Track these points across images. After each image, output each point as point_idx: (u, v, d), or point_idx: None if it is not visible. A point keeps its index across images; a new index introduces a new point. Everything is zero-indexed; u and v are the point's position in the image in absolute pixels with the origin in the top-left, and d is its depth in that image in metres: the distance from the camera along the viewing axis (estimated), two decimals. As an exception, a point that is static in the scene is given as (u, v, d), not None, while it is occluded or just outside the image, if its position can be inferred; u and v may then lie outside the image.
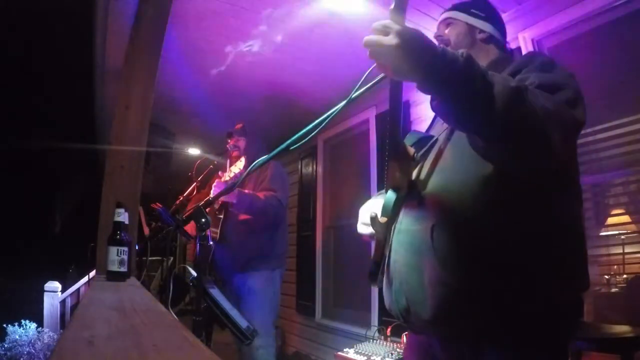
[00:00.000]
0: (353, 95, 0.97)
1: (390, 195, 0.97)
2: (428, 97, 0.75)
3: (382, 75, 0.88)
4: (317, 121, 1.03)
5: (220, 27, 2.47)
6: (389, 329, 2.49)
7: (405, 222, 0.94)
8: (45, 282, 3.47)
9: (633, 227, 1.93)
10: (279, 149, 1.11)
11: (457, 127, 0.83)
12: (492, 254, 0.79)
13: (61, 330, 3.24)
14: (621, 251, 1.92)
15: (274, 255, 2.49)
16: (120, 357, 0.53)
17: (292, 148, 1.07)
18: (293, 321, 4.28)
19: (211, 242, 2.41)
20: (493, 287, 0.79)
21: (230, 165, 2.42)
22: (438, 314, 0.83)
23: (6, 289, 5.97)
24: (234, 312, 1.37)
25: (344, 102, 0.97)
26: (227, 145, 2.62)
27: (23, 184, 8.23)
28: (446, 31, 1.10)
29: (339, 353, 2.38)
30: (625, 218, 1.96)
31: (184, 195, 2.66)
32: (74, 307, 3.42)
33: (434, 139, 1.00)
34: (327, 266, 3.91)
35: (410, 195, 0.96)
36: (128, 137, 1.79)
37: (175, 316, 1.12)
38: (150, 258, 2.18)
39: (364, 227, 1.07)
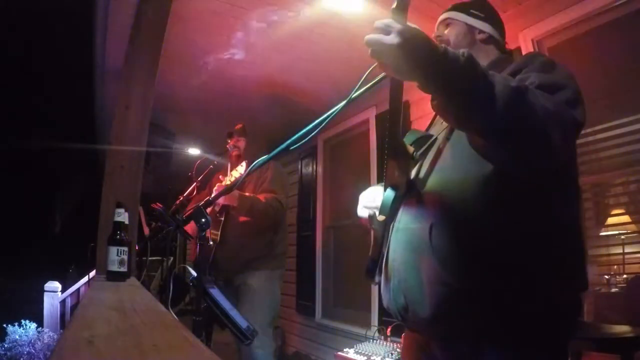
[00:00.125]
0: (353, 95, 0.97)
1: (389, 193, 0.97)
2: (428, 97, 0.75)
3: (382, 75, 0.88)
4: (317, 121, 1.03)
5: (220, 27, 2.47)
6: (389, 329, 2.49)
7: (404, 221, 0.94)
8: (45, 282, 3.47)
9: (633, 227, 1.93)
10: (279, 149, 1.11)
11: (457, 126, 0.83)
12: (491, 253, 0.80)
13: (61, 330, 3.24)
14: (621, 251, 1.92)
15: (274, 256, 2.50)
16: (120, 357, 0.53)
17: (292, 148, 1.07)
18: (293, 321, 4.28)
19: (211, 243, 2.41)
20: (492, 286, 0.79)
21: (231, 169, 2.42)
22: (437, 313, 0.83)
23: (6, 289, 5.97)
24: (234, 312, 1.37)
25: (344, 102, 0.97)
26: (227, 146, 2.63)
27: (23, 184, 8.23)
28: (446, 31, 1.10)
29: (339, 353, 2.38)
30: (625, 218, 1.96)
31: (184, 195, 2.66)
32: (74, 307, 3.42)
33: (434, 138, 1.00)
34: (327, 266, 3.91)
35: (409, 193, 0.96)
36: (128, 137, 1.79)
37: (175, 316, 1.12)
38: (150, 258, 2.18)
39: (364, 210, 1.08)
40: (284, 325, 4.37)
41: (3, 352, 2.98)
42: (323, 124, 1.01)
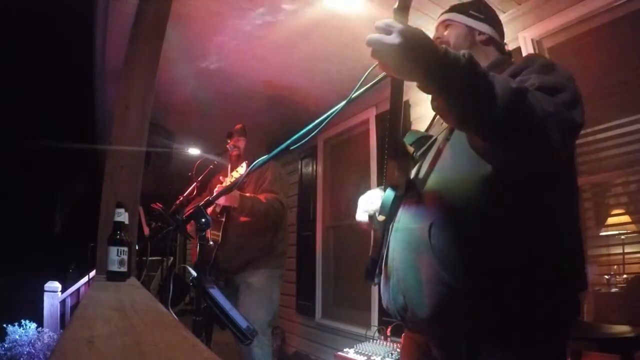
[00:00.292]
0: (353, 95, 0.97)
1: (389, 193, 0.98)
2: (428, 97, 0.75)
3: (382, 75, 0.88)
4: (317, 121, 1.03)
5: (220, 27, 2.47)
6: (389, 329, 2.49)
7: (403, 221, 0.94)
8: (45, 282, 3.47)
9: (633, 227, 1.93)
10: (279, 149, 1.11)
11: (457, 126, 0.83)
12: (490, 253, 0.80)
13: (61, 330, 3.24)
14: (621, 251, 1.92)
15: (274, 256, 2.51)
16: (120, 357, 0.53)
17: (292, 148, 1.07)
18: (293, 321, 4.28)
19: (212, 243, 2.42)
20: (491, 286, 0.79)
21: (232, 170, 2.42)
22: (436, 312, 0.83)
23: (6, 289, 5.97)
24: (233, 312, 1.37)
25: (344, 102, 0.97)
26: (227, 146, 2.63)
27: (23, 184, 8.23)
28: (445, 33, 1.10)
29: (339, 353, 2.38)
30: (625, 218, 1.96)
31: (184, 195, 2.66)
32: (74, 307, 3.42)
33: (433, 138, 1.00)
34: (327, 266, 3.91)
35: (408, 193, 0.96)
36: (128, 137, 1.79)
37: (175, 316, 1.12)
38: (150, 258, 2.18)
39: (363, 215, 1.08)
40: (284, 325, 4.37)
41: (3, 352, 2.99)
42: (323, 124, 1.01)
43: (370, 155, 3.41)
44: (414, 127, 2.82)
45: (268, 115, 3.76)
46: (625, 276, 1.90)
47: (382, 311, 2.93)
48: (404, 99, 0.89)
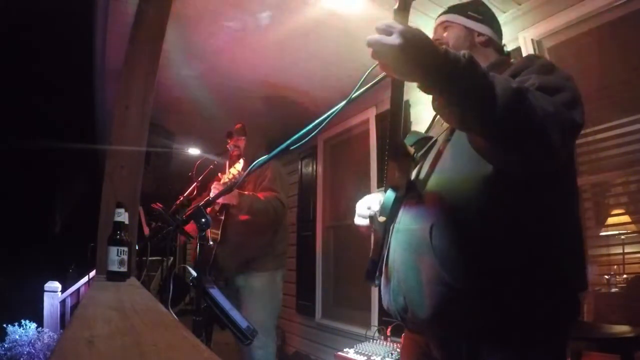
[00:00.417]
0: (353, 95, 0.97)
1: (389, 194, 0.98)
2: (428, 98, 0.75)
3: (382, 75, 0.88)
4: (317, 121, 1.03)
5: (220, 27, 2.47)
6: (389, 329, 2.49)
7: (404, 222, 0.94)
8: (45, 282, 3.47)
9: (633, 227, 1.93)
10: (279, 149, 1.11)
11: (458, 126, 0.83)
12: (491, 253, 0.80)
13: (61, 330, 3.24)
14: (621, 251, 1.92)
15: (274, 255, 2.49)
16: (120, 357, 0.53)
17: (292, 148, 1.07)
18: (293, 321, 4.28)
19: (211, 243, 2.41)
20: (492, 286, 0.79)
21: (229, 167, 2.42)
22: (436, 313, 0.83)
23: (6, 289, 5.97)
24: (233, 312, 1.37)
25: (344, 102, 0.97)
26: (227, 146, 2.63)
27: (23, 184, 8.23)
28: (444, 34, 1.10)
29: (339, 353, 2.38)
30: (625, 218, 1.96)
31: (184, 195, 2.66)
32: (74, 307, 3.42)
33: (434, 139, 1.00)
34: (327, 266, 3.91)
35: (409, 195, 0.96)
36: (128, 137, 1.79)
37: (175, 316, 1.12)
38: (150, 258, 2.18)
39: (360, 220, 1.08)
40: (284, 325, 4.37)
41: (3, 352, 2.98)
42: (323, 124, 1.01)
43: (370, 156, 3.41)
44: (414, 127, 2.82)
45: (268, 115, 3.76)
46: (625, 276, 1.90)
47: (382, 311, 2.93)
48: (404, 99, 0.89)
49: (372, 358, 2.19)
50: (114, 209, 1.43)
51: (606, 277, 1.93)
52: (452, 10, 1.12)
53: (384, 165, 0.98)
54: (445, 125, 0.97)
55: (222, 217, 2.46)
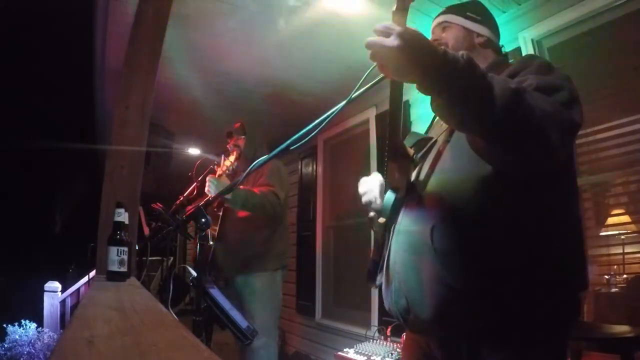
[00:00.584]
0: (353, 95, 0.97)
1: (390, 196, 0.97)
2: (428, 98, 0.75)
3: (382, 75, 0.88)
4: (317, 121, 1.03)
5: (220, 27, 2.47)
6: (389, 329, 2.49)
7: (405, 223, 0.94)
8: (45, 282, 3.47)
9: (633, 227, 1.93)
10: (279, 149, 1.11)
11: (457, 127, 0.83)
12: (491, 254, 0.80)
13: (61, 330, 3.24)
14: (621, 251, 1.92)
15: (274, 255, 2.47)
16: (120, 357, 0.53)
17: (292, 148, 1.07)
18: (293, 321, 4.28)
19: (211, 243, 2.41)
20: (492, 287, 0.79)
21: (224, 161, 2.41)
22: (437, 313, 0.83)
23: (6, 289, 5.97)
24: (233, 312, 1.37)
25: (344, 102, 0.97)
26: (227, 145, 2.62)
27: (23, 184, 8.23)
28: (443, 34, 1.10)
29: (339, 353, 2.38)
30: (625, 218, 1.96)
31: (184, 195, 2.66)
32: (74, 307, 3.42)
33: (433, 140, 1.00)
34: (327, 266, 3.92)
35: (409, 196, 0.96)
36: (128, 137, 1.79)
37: (175, 316, 1.12)
38: (150, 258, 2.18)
39: (367, 196, 1.06)
40: (284, 325, 4.37)
41: (3, 352, 2.99)
42: (323, 124, 1.01)
43: (370, 155, 3.41)
44: (413, 127, 2.82)
45: (268, 115, 3.76)
46: (625, 276, 1.90)
47: (382, 311, 2.93)
48: (404, 99, 0.89)
49: (372, 358, 2.19)
50: (114, 209, 1.43)
51: (606, 277, 1.93)
52: (450, 10, 1.12)
53: (384, 167, 0.98)
54: (445, 125, 0.97)
55: (220, 213, 2.46)
